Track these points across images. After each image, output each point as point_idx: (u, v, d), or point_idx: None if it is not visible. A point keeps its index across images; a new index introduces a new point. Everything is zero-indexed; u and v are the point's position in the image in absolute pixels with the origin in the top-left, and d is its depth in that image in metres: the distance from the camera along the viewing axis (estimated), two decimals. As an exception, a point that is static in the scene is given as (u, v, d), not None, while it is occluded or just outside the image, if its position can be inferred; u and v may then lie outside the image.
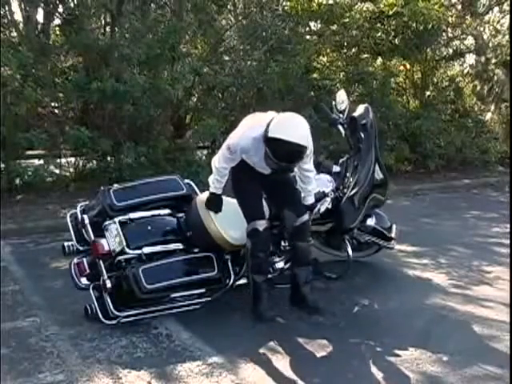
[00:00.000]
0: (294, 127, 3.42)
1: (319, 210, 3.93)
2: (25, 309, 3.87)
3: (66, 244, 3.94)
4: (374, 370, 3.07)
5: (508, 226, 5.83)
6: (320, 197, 4.01)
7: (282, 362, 3.14)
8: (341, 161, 4.37)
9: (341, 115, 4.29)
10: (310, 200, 3.91)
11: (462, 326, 3.59)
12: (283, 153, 3.38)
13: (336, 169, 4.34)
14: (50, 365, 3.11)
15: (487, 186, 8.59)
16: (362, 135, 4.17)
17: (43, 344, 3.36)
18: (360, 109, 4.30)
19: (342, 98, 4.30)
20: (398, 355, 3.20)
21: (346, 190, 4.13)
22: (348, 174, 4.22)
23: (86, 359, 3.17)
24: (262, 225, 3.64)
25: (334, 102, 4.37)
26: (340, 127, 4.31)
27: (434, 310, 3.87)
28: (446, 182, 8.60)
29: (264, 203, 3.80)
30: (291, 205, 3.77)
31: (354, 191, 4.09)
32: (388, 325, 3.63)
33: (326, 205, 3.96)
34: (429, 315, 3.77)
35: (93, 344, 3.35)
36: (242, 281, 3.96)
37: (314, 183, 3.89)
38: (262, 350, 3.27)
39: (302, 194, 3.89)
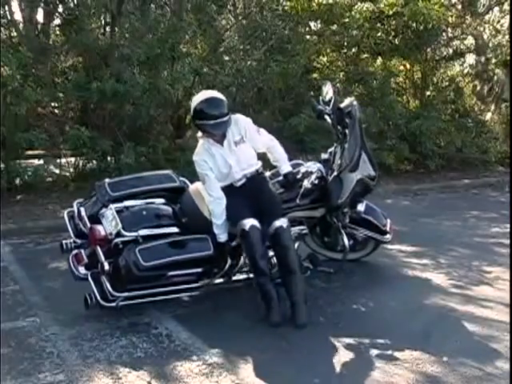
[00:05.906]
0: (200, 94, 3.83)
1: (305, 185, 4.03)
2: (25, 309, 3.87)
3: (63, 242, 4.00)
4: (373, 370, 3.06)
5: (508, 225, 5.83)
6: (307, 175, 4.11)
7: (281, 362, 3.14)
8: (330, 150, 4.42)
9: (327, 106, 4.35)
10: (286, 168, 4.03)
11: (462, 326, 3.59)
12: (209, 110, 3.66)
13: (324, 156, 4.39)
14: (50, 365, 3.12)
15: (487, 186, 8.58)
16: (347, 121, 4.25)
17: (43, 344, 3.36)
18: (346, 101, 4.40)
19: (327, 89, 4.39)
20: (397, 355, 3.20)
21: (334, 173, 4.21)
22: (336, 160, 4.27)
23: (85, 359, 3.18)
24: (247, 223, 3.61)
25: (320, 96, 4.44)
26: (326, 117, 4.37)
27: (433, 309, 3.87)
28: (446, 182, 8.59)
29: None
30: (269, 210, 3.76)
31: (340, 169, 4.16)
32: (388, 325, 3.62)
33: (311, 179, 4.06)
34: (429, 315, 3.77)
35: (93, 344, 3.35)
36: (240, 276, 3.97)
37: (280, 148, 4.03)
38: (261, 350, 3.26)
39: (278, 165, 4.04)
